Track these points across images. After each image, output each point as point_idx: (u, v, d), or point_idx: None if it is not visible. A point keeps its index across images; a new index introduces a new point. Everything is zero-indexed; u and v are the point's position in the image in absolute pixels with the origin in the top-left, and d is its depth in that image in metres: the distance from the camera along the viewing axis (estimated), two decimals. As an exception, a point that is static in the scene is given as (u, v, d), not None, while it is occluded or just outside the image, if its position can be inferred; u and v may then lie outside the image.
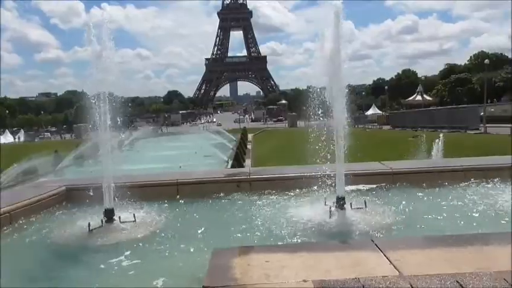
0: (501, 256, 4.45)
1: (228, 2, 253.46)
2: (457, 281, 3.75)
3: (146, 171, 16.99)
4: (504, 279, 3.74)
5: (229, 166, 24.56)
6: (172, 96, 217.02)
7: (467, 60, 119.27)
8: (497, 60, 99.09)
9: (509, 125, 29.32)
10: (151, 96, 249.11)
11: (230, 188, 8.40)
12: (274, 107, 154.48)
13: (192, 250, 5.48)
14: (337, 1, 7.08)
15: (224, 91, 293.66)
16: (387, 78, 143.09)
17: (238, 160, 26.62)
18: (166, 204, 7.70)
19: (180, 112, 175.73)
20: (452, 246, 4.71)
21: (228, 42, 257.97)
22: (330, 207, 6.70)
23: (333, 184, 7.03)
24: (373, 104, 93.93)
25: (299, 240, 5.83)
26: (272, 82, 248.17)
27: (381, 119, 67.64)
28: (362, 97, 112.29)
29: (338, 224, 6.33)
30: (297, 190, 7.97)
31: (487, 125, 36.07)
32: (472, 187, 8.20)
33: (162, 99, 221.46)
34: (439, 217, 6.60)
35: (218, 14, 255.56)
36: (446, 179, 8.63)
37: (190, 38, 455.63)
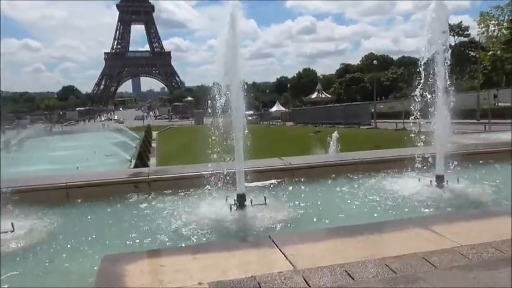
0: (384, 243, 4.82)
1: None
2: (346, 271, 3.96)
3: (36, 174, 15.45)
4: (386, 264, 4.04)
5: (132, 165, 23.54)
6: (68, 92, 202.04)
7: (360, 61, 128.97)
8: (384, 61, 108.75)
9: (395, 121, 32.30)
10: (43, 91, 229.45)
11: (127, 189, 7.98)
12: (180, 103, 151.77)
13: (80, 260, 5.06)
14: (235, 0, 7.08)
15: (126, 87, 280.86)
16: (289, 76, 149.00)
17: (142, 159, 25.69)
18: (52, 211, 7.04)
19: (77, 109, 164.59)
20: (343, 237, 4.97)
21: (129, 36, 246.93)
22: (231, 205, 6.70)
23: (235, 181, 7.04)
24: (277, 101, 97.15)
25: (199, 240, 5.72)
26: (177, 78, 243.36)
27: (284, 116, 70.15)
28: (266, 94, 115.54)
29: (238, 221, 6.35)
30: (198, 189, 7.84)
31: (377, 120, 39.37)
32: (364, 179, 8.81)
33: (55, 95, 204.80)
34: (335, 209, 6.97)
35: (117, 6, 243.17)
36: (341, 172, 9.16)
37: (88, 30, 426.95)
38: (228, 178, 7.01)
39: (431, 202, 6.98)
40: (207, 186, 7.11)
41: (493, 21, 62.52)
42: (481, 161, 9.87)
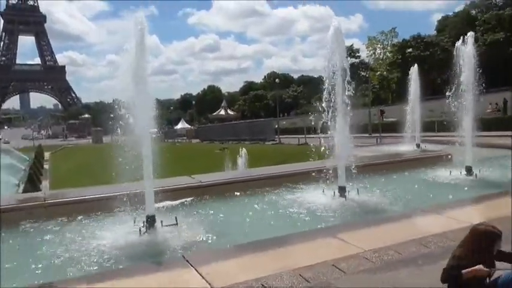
0: (296, 254, 4.99)
1: (14, 2, 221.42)
2: (262, 284, 4.02)
3: None
4: (299, 274, 4.19)
5: (21, 190, 21.33)
6: None
7: (262, 79, 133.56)
8: (285, 80, 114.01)
9: (297, 136, 33.91)
10: None
11: (20, 216, 7.20)
12: (76, 121, 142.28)
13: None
14: (141, 15, 6.92)
15: (13, 103, 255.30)
16: (194, 93, 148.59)
17: (32, 182, 23.38)
18: None
19: None
20: (257, 251, 5.06)
21: (16, 48, 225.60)
22: (140, 228, 6.41)
23: (143, 202, 6.75)
24: (182, 118, 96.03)
25: (110, 267, 5.35)
26: (73, 94, 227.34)
27: (190, 133, 69.52)
28: (171, 111, 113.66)
29: (149, 244, 6.08)
30: (101, 212, 7.38)
31: (281, 136, 40.93)
32: (273, 193, 9.05)
33: None
34: (248, 224, 7.04)
35: (1, 14, 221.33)
36: (251, 188, 9.32)
37: None
38: (136, 199, 6.70)
39: (336, 212, 7.42)
40: (113, 208, 6.73)
41: (379, 45, 69.52)
42: (377, 171, 10.80)
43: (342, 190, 8.23)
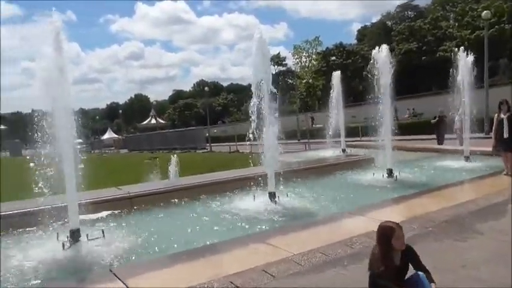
0: (227, 261, 5.02)
1: None
2: (194, 294, 3.98)
3: None
4: (230, 281, 4.21)
5: None
6: None
7: (191, 87, 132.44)
8: (215, 88, 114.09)
9: (228, 144, 34.06)
10: None
11: None
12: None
13: None
14: (55, 21, 6.58)
15: None
16: (121, 102, 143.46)
17: None
18: None
19: None
20: (187, 261, 5.00)
21: None
22: (64, 242, 6.07)
23: (66, 216, 6.40)
24: (109, 128, 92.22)
25: (29, 285, 5.01)
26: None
27: (118, 143, 66.92)
28: (96, 121, 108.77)
29: (73, 259, 5.79)
30: (22, 228, 6.91)
31: (212, 144, 40.82)
32: (204, 201, 9.02)
33: None
34: (177, 234, 6.92)
35: None
36: (182, 197, 9.21)
37: None
38: (59, 213, 6.34)
39: (266, 217, 7.55)
40: (33, 223, 6.31)
41: (304, 53, 71.98)
42: (306, 176, 11.16)
43: (272, 195, 8.40)
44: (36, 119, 6.30)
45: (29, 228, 6.77)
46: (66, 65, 6.48)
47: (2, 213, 7.46)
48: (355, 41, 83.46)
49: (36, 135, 6.30)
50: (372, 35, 75.54)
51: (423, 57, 56.73)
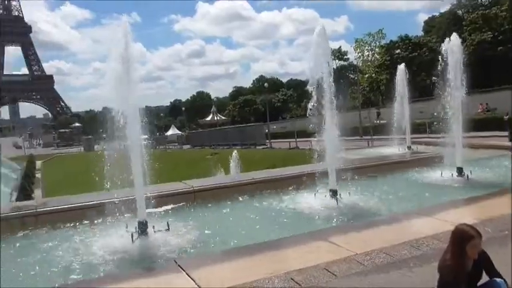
0: (287, 258, 4.99)
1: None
2: (254, 288, 4.01)
3: None
4: (291, 278, 4.19)
5: (13, 199, 21.18)
6: None
7: (251, 84, 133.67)
8: (274, 84, 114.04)
9: (288, 140, 34.00)
10: None
11: (12, 226, 7.15)
12: (67, 130, 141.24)
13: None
14: (125, 22, 6.92)
15: (2, 113, 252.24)
16: (183, 99, 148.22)
17: (24, 191, 23.17)
18: None
19: None
20: (248, 255, 5.04)
21: (3, 59, 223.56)
22: (132, 233, 6.38)
23: (135, 208, 6.73)
24: (172, 125, 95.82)
25: (103, 272, 5.35)
26: (62, 103, 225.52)
27: (181, 139, 69.34)
28: (160, 118, 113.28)
29: (141, 249, 6.08)
30: (96, 218, 7.37)
31: (272, 140, 40.97)
32: (265, 197, 9.06)
33: None
34: (239, 229, 7.03)
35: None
36: (243, 192, 9.32)
37: None
38: (128, 205, 6.69)
39: (328, 215, 7.44)
40: (107, 215, 6.71)
41: (366, 47, 69.89)
42: (368, 174, 10.83)
43: (334, 193, 8.25)
44: (106, 116, 6.67)
45: (102, 219, 7.19)
46: (133, 65, 6.79)
47: (78, 205, 8.01)
48: (421, 33, 79.57)
49: (107, 132, 6.68)
50: (440, 25, 71.60)
51: (499, 48, 52.76)
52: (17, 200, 19.54)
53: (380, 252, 4.79)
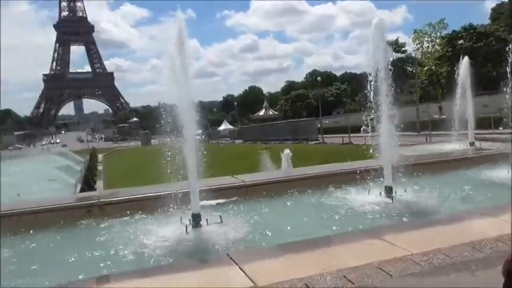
0: (340, 255, 4.90)
1: (65, 14, 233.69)
2: (306, 284, 3.97)
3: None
4: (344, 276, 4.10)
5: (78, 190, 22.61)
6: (4, 116, 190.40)
7: (304, 78, 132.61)
8: (327, 78, 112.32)
9: (341, 135, 33.39)
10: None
11: (78, 215, 7.63)
12: (126, 125, 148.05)
13: None
14: (180, 20, 7.10)
15: (68, 109, 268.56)
16: (235, 94, 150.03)
17: (88, 183, 24.62)
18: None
19: (15, 133, 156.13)
20: (300, 251, 5.02)
21: (69, 57, 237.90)
22: (186, 225, 6.57)
23: (189, 201, 6.92)
24: (225, 120, 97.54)
25: (158, 262, 5.57)
26: (122, 99, 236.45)
27: (233, 134, 70.42)
28: (213, 113, 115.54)
29: (195, 241, 6.24)
30: (153, 210, 7.65)
31: (324, 135, 40.49)
32: (316, 193, 8.95)
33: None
34: (290, 224, 7.01)
35: (55, 26, 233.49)
36: (294, 187, 9.26)
37: (22, 50, 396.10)
38: (182, 198, 6.88)
39: (382, 212, 7.23)
40: (162, 206, 6.95)
41: (426, 38, 66.86)
42: (425, 171, 10.38)
43: (389, 190, 8.00)
44: (162, 111, 6.88)
45: (158, 211, 7.45)
46: (188, 61, 6.95)
47: (137, 196, 8.38)
48: (487, 21, 74.72)
49: (163, 126, 6.90)
50: (510, 12, 66.97)
51: None
52: (81, 191, 20.83)
53: (438, 252, 4.57)
